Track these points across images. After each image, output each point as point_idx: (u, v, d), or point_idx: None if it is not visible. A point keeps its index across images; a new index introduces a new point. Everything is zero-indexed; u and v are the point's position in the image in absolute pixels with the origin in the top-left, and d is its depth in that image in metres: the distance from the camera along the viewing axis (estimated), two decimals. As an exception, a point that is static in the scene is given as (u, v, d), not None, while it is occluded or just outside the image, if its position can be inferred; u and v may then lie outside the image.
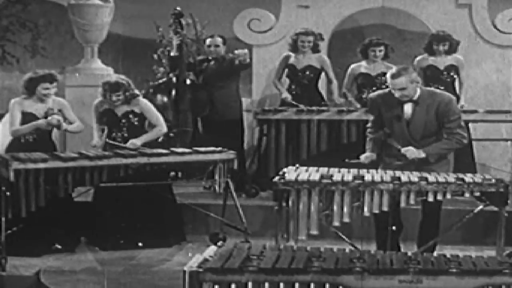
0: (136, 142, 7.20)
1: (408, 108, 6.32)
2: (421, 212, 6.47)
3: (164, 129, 7.46)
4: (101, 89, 7.34)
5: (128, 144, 7.17)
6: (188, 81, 8.51)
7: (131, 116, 7.35)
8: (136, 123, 7.35)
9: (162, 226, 7.41)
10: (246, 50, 8.47)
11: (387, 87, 8.64)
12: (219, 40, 8.58)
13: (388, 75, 6.33)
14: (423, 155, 6.22)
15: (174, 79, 8.48)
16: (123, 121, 7.34)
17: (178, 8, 8.55)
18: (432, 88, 6.64)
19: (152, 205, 7.36)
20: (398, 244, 6.42)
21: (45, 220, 6.92)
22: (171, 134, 8.19)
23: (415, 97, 6.30)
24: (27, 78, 7.16)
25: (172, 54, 8.55)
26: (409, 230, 6.70)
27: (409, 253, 4.59)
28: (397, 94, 6.28)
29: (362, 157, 6.47)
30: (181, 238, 7.55)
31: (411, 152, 6.23)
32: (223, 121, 8.42)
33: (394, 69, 6.33)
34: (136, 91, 7.41)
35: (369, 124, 6.62)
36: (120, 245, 7.26)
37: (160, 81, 8.79)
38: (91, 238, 7.36)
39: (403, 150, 6.25)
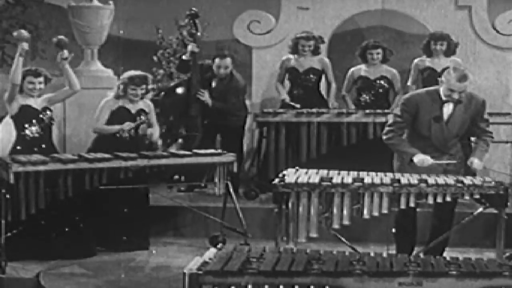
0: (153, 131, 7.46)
1: (448, 108, 6.33)
2: (432, 215, 6.49)
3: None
4: (122, 83, 7.33)
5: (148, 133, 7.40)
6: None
7: (142, 114, 7.39)
8: (146, 121, 7.41)
9: (131, 229, 7.28)
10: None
11: (385, 90, 8.67)
12: (229, 61, 8.30)
13: (453, 77, 6.19)
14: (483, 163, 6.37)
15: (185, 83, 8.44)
16: (137, 118, 7.35)
17: (194, 9, 8.49)
18: None
19: (126, 208, 7.27)
20: (413, 247, 6.43)
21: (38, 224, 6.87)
22: (180, 140, 8.17)
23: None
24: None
25: (184, 57, 8.45)
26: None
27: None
28: (455, 96, 6.23)
29: (420, 161, 6.24)
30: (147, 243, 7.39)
31: (478, 164, 6.31)
32: (224, 126, 8.38)
33: (458, 72, 6.23)
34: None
35: (389, 128, 6.38)
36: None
37: (172, 83, 8.74)
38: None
39: (474, 165, 6.31)
